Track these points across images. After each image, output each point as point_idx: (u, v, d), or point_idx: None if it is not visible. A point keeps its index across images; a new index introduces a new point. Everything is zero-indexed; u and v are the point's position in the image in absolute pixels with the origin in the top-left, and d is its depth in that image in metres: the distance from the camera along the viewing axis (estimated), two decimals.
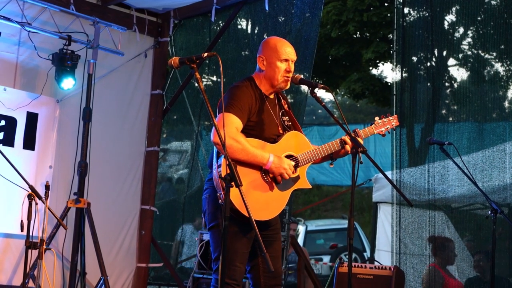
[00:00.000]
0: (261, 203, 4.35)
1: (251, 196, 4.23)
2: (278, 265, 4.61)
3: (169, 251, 9.40)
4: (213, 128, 4.20)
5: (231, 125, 4.27)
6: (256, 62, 4.68)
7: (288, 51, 4.61)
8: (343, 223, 16.33)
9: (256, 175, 4.37)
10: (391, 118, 4.95)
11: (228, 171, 3.67)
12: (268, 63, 4.60)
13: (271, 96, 4.69)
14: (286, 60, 4.59)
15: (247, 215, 3.68)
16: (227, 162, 3.68)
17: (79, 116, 7.07)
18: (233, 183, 3.65)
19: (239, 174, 3.69)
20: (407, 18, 8.18)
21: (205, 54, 4.09)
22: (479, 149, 7.52)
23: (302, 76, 4.70)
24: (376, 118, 4.92)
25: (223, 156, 4.21)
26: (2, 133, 7.00)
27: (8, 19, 6.86)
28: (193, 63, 4.05)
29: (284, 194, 4.49)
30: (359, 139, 4.61)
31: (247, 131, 4.43)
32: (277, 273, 4.58)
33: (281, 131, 4.60)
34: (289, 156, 4.51)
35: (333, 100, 4.67)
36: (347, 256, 4.35)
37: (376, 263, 6.59)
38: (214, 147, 4.34)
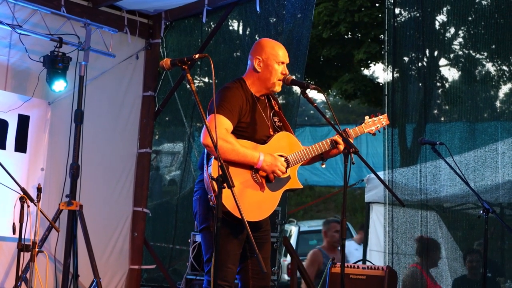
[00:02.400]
0: (252, 204, 4.34)
1: (242, 197, 4.23)
2: (267, 266, 4.62)
3: (162, 253, 9.38)
4: (203, 130, 4.21)
5: (220, 126, 4.26)
6: (248, 63, 4.67)
7: (284, 53, 4.63)
8: None
9: (247, 176, 4.36)
10: (381, 117, 4.96)
11: (220, 172, 3.67)
12: (266, 65, 4.59)
13: (262, 98, 4.69)
14: (282, 63, 4.60)
15: (239, 216, 3.67)
16: (219, 163, 3.68)
17: (70, 118, 7.06)
18: (225, 184, 3.64)
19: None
20: (398, 19, 8.19)
21: (197, 56, 4.08)
22: (471, 149, 7.53)
23: (293, 77, 4.70)
24: (366, 117, 4.93)
25: (213, 157, 4.21)
26: None
27: None
28: (184, 65, 4.04)
29: (275, 195, 4.49)
30: (349, 139, 4.62)
31: (239, 133, 4.43)
32: (266, 275, 4.58)
33: (271, 132, 4.60)
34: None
35: (325, 100, 4.66)
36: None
37: (368, 264, 6.59)
38: (205, 148, 4.33)
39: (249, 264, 4.54)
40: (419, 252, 7.54)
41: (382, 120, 4.97)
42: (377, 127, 4.94)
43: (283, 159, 4.48)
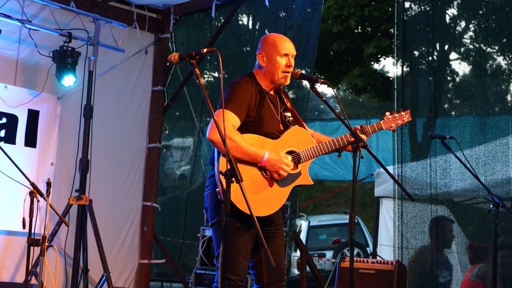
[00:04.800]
0: (260, 198, 4.33)
1: (249, 192, 4.19)
2: (280, 260, 4.58)
3: (171, 248, 9.40)
4: (209, 125, 4.22)
5: (227, 122, 4.23)
6: (256, 58, 4.67)
7: (287, 46, 4.59)
8: (346, 218, 16.28)
9: (255, 171, 4.35)
10: (403, 113, 4.83)
11: (228, 167, 3.65)
12: (268, 59, 4.58)
13: (272, 92, 4.67)
14: (286, 55, 4.57)
15: (247, 212, 3.66)
16: (227, 158, 3.67)
17: (80, 113, 7.07)
18: (233, 179, 3.63)
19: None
20: (408, 13, 8.17)
21: (205, 50, 4.06)
22: (482, 143, 7.50)
23: (303, 71, 4.67)
24: (387, 113, 4.80)
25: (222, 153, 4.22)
26: (4, 130, 7.01)
27: (9, 17, 6.86)
28: (192, 59, 4.02)
29: (284, 190, 4.47)
30: (364, 136, 4.57)
31: (247, 127, 4.42)
32: (280, 269, 4.55)
33: (282, 128, 4.58)
34: (291, 152, 4.49)
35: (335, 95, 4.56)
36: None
37: (378, 258, 6.58)
38: None
39: (262, 259, 4.51)
40: (473, 259, 7.46)
41: (404, 116, 4.83)
42: (398, 123, 4.81)
43: (290, 158, 4.45)
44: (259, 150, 4.33)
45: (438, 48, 8.39)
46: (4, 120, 7.01)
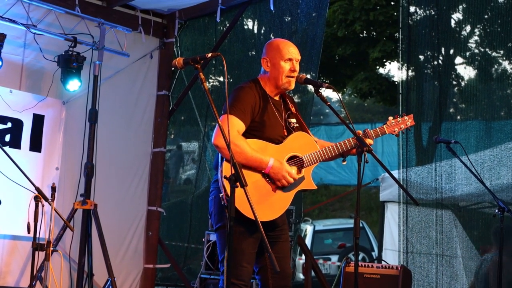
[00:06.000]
0: (263, 203, 4.32)
1: (253, 196, 4.18)
2: (286, 265, 4.57)
3: (176, 252, 9.39)
4: (215, 131, 4.21)
5: (232, 127, 4.23)
6: (261, 63, 4.66)
7: (291, 50, 4.59)
8: (351, 223, 16.20)
9: (259, 176, 4.35)
10: (406, 117, 4.83)
11: (232, 172, 3.65)
12: (272, 63, 4.58)
13: (276, 98, 4.67)
14: (290, 60, 4.56)
15: (251, 216, 3.65)
16: (232, 163, 3.66)
17: (85, 117, 7.09)
18: (238, 183, 3.62)
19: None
20: (413, 17, 8.15)
21: (209, 55, 4.07)
22: (487, 147, 7.48)
23: (308, 76, 4.67)
24: (390, 118, 4.80)
25: (226, 158, 4.21)
26: (9, 135, 7.02)
27: (14, 22, 6.88)
28: (197, 64, 4.02)
29: (288, 195, 4.46)
30: (369, 139, 4.56)
31: (250, 132, 4.42)
32: (285, 274, 4.53)
33: (285, 133, 4.57)
34: (294, 157, 4.49)
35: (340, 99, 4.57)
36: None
37: (383, 263, 6.56)
38: None
39: (267, 264, 4.50)
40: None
41: (407, 121, 4.82)
42: (401, 128, 4.81)
43: (294, 170, 4.44)
44: (264, 157, 4.33)
45: (443, 52, 8.38)
46: (9, 124, 7.02)
